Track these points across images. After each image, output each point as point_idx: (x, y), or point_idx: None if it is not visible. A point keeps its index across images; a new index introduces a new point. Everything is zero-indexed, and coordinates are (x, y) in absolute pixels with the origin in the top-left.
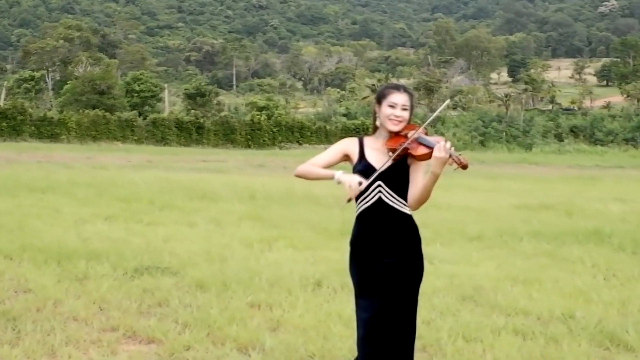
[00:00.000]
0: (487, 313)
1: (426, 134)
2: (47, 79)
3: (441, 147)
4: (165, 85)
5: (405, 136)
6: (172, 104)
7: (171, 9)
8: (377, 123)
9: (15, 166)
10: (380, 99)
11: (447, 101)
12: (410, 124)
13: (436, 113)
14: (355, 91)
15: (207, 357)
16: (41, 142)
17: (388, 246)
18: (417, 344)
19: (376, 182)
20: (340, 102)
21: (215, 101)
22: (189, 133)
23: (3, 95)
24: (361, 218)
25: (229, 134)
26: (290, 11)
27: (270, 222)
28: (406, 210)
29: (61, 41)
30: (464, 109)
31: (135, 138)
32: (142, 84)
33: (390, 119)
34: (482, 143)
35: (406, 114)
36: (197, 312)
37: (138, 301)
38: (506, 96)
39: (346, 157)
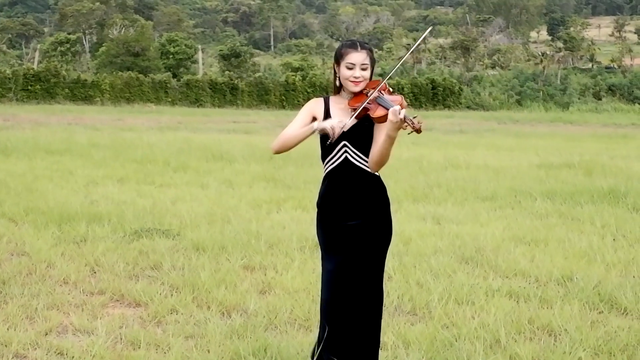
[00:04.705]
0: (485, 275)
1: (389, 92)
2: (83, 41)
3: (395, 111)
4: (199, 46)
5: (366, 95)
6: (208, 65)
7: None
8: (337, 83)
9: (41, 129)
10: (338, 59)
11: (427, 31)
12: (373, 81)
13: (408, 54)
14: (392, 51)
15: (189, 321)
16: (75, 104)
17: (354, 207)
18: (407, 306)
19: (341, 142)
20: (377, 62)
21: (250, 62)
22: (223, 94)
23: (38, 58)
24: (328, 179)
25: (263, 95)
26: None
27: (284, 183)
28: None
29: (97, 3)
30: (502, 68)
31: (169, 100)
32: (176, 45)
33: (350, 81)
34: (518, 102)
35: (366, 73)
36: (188, 275)
37: (131, 264)
38: (542, 54)
39: (314, 119)
